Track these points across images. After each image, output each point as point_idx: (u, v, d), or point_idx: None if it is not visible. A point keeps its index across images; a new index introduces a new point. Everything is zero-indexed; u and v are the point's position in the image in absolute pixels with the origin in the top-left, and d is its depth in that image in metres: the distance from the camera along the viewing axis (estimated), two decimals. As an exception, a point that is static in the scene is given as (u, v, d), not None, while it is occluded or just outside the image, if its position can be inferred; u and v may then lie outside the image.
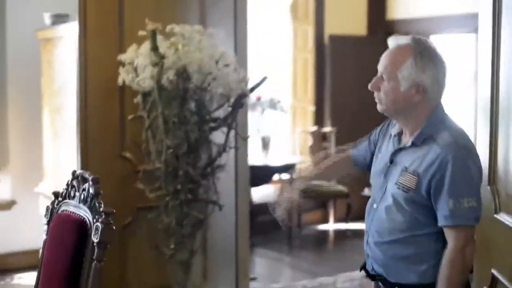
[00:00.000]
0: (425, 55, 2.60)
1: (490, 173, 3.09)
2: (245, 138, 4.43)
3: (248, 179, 5.10)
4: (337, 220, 8.27)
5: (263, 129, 7.88)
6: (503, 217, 2.96)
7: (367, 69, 8.23)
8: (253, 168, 7.55)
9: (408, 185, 2.60)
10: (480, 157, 2.89)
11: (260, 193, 8.18)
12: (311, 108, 8.47)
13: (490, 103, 3.11)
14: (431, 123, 2.64)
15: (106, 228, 2.40)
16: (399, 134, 2.77)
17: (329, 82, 8.38)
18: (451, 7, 7.78)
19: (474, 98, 7.05)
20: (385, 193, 2.70)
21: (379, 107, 2.71)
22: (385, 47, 2.77)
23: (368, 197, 2.89)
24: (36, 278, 2.73)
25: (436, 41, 8.86)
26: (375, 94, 2.70)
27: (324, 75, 8.40)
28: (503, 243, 2.96)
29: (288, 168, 7.83)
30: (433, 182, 2.54)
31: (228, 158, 4.44)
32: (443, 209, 2.53)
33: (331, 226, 8.21)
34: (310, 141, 8.25)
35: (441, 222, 2.55)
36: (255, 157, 7.84)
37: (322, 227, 8.35)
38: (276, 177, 8.07)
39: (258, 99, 7.80)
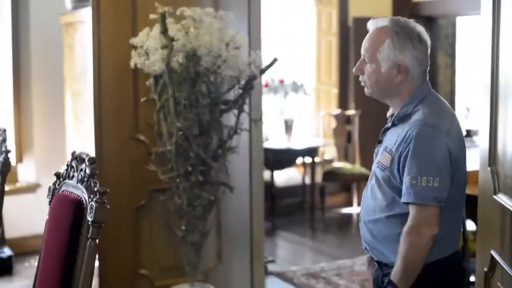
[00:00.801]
0: (402, 35, 2.62)
1: (490, 155, 3.09)
2: (255, 121, 4.44)
3: (262, 161, 5.12)
4: (360, 203, 8.25)
5: (286, 112, 7.90)
6: (501, 198, 2.95)
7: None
8: (276, 151, 7.61)
9: (385, 164, 2.63)
10: (481, 139, 2.89)
11: (283, 176, 8.22)
12: (335, 91, 8.46)
13: (490, 85, 3.09)
14: (409, 102, 2.66)
15: (100, 207, 2.44)
16: (392, 116, 2.79)
17: (353, 64, 8.31)
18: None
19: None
20: (373, 172, 2.73)
21: (366, 91, 2.75)
22: None
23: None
24: (38, 257, 2.80)
25: (462, 22, 8.79)
26: (360, 78, 2.74)
27: (348, 57, 8.38)
28: (501, 224, 2.95)
29: (311, 151, 7.84)
30: (401, 159, 2.56)
31: (241, 140, 4.47)
32: (403, 185, 2.54)
33: (354, 209, 8.22)
34: (333, 124, 8.25)
35: (402, 199, 2.56)
36: (278, 140, 7.88)
37: (345, 210, 8.36)
38: (299, 160, 8.10)
39: (281, 82, 7.82)
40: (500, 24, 3.02)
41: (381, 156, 2.67)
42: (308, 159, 7.95)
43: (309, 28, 8.45)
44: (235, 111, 4.30)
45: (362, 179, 7.95)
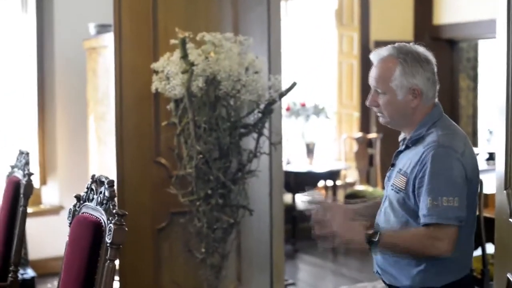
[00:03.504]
0: (410, 60, 2.66)
1: (506, 178, 3.10)
2: (275, 144, 4.48)
3: (282, 184, 5.15)
4: (383, 226, 8.24)
5: (307, 135, 7.93)
6: (517, 221, 2.97)
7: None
8: (298, 174, 7.63)
9: (399, 186, 2.64)
10: (497, 161, 2.90)
11: (305, 199, 8.21)
12: (356, 114, 8.49)
13: (506, 108, 3.12)
14: (422, 125, 2.69)
15: (118, 229, 2.49)
16: (404, 139, 2.81)
17: (374, 88, 8.36)
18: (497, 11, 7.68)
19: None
20: (386, 196, 2.75)
21: (381, 120, 2.77)
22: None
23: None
24: (58, 278, 2.85)
25: (485, 45, 8.79)
26: (375, 109, 2.76)
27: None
28: (518, 247, 2.96)
29: (332, 174, 7.85)
30: (416, 181, 2.58)
31: (260, 164, 4.50)
32: (422, 207, 2.55)
33: (377, 232, 8.17)
34: (355, 147, 8.26)
35: (421, 220, 2.56)
36: (300, 163, 7.90)
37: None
38: (321, 183, 8.11)
39: (303, 105, 7.86)
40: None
41: (395, 179, 2.70)
42: (329, 182, 7.96)
43: (330, 51, 8.50)
44: (255, 135, 4.34)
45: (384, 202, 7.94)
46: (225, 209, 4.29)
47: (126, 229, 2.52)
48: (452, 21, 8.34)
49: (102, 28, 5.86)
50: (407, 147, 2.73)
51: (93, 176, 2.80)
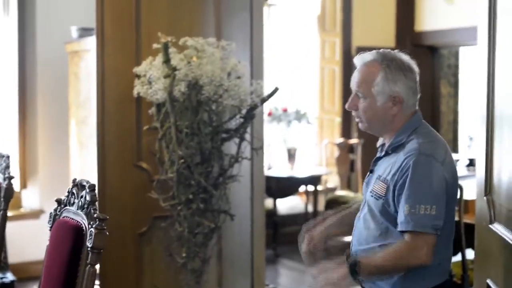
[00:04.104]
0: (393, 67, 2.67)
1: (486, 184, 3.12)
2: (256, 149, 4.49)
3: (263, 189, 5.16)
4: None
5: (289, 140, 7.94)
6: (496, 227, 2.98)
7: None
8: (279, 180, 7.63)
9: (379, 193, 2.65)
10: (478, 168, 2.93)
11: (286, 205, 8.24)
12: (338, 120, 8.52)
13: (486, 115, 3.14)
14: (402, 132, 2.70)
15: (99, 233, 2.48)
16: (383, 145, 2.83)
17: (356, 94, 8.40)
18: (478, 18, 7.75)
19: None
20: (365, 202, 2.76)
21: (360, 126, 2.78)
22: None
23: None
24: (39, 282, 2.84)
25: (465, 52, 8.86)
26: (354, 113, 2.77)
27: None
28: (497, 253, 2.98)
29: (314, 179, 7.87)
30: (396, 188, 2.59)
31: (242, 169, 4.51)
32: (400, 214, 2.57)
33: (357, 237, 8.20)
34: (336, 152, 8.29)
35: (398, 227, 2.58)
36: (281, 168, 7.91)
37: (347, 238, 8.33)
38: (302, 188, 8.12)
39: (285, 110, 7.87)
40: (496, 54, 3.07)
41: (374, 185, 2.70)
42: (311, 188, 7.98)
43: (312, 57, 8.53)
44: (236, 140, 4.34)
45: (364, 208, 7.98)
46: (206, 213, 4.29)
47: (107, 233, 2.51)
48: (433, 28, 8.40)
49: (84, 32, 5.84)
50: (387, 154, 2.74)
51: (74, 180, 2.80)
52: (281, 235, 7.82)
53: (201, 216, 4.26)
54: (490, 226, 3.06)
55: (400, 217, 2.56)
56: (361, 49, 8.13)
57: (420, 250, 2.54)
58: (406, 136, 2.68)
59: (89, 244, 2.51)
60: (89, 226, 2.56)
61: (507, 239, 2.78)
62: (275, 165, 8.04)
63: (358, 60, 2.76)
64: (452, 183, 2.65)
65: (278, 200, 7.85)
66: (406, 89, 2.69)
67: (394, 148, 2.70)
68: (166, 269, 4.57)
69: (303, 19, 8.50)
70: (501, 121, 2.99)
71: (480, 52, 3.25)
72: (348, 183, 8.34)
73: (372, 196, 2.69)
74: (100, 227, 2.50)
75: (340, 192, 8.16)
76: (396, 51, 2.78)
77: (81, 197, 2.69)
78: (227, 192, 4.38)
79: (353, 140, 8.28)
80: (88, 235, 2.53)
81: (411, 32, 8.54)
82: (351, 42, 8.43)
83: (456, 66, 8.99)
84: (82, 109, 5.86)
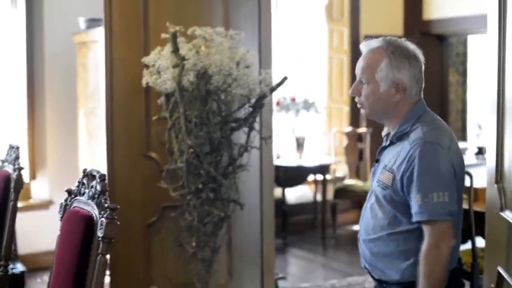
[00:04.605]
0: (398, 54, 2.66)
1: (497, 172, 3.11)
2: (265, 138, 4.48)
3: (273, 178, 5.16)
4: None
5: (297, 130, 7.94)
6: (507, 214, 2.98)
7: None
8: (288, 169, 7.64)
9: (386, 182, 2.65)
10: (488, 156, 2.92)
11: (295, 194, 8.25)
12: (346, 109, 8.50)
13: (497, 103, 3.12)
14: (406, 120, 2.69)
15: (110, 223, 2.49)
16: (388, 135, 2.82)
17: (364, 82, 8.38)
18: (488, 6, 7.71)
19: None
20: (371, 191, 2.76)
21: (362, 112, 2.78)
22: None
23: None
24: (50, 273, 2.84)
25: (473, 40, 8.83)
26: (357, 99, 2.77)
27: (359, 75, 8.41)
28: (507, 240, 2.97)
29: (322, 168, 7.87)
30: (404, 178, 2.59)
31: (251, 158, 4.51)
32: (413, 205, 2.57)
33: (366, 226, 8.21)
34: (345, 141, 8.28)
35: (413, 218, 2.58)
36: (290, 158, 7.91)
37: (356, 227, 8.35)
38: (310, 177, 8.12)
39: (293, 100, 7.87)
40: (506, 42, 3.06)
41: (381, 176, 2.70)
42: (319, 177, 7.98)
43: (320, 46, 8.51)
44: (246, 129, 4.34)
45: (373, 197, 7.98)
46: (216, 203, 4.29)
47: (118, 223, 2.52)
48: (441, 16, 8.36)
49: (92, 23, 5.84)
50: (392, 143, 2.73)
51: (84, 170, 2.80)
52: (289, 224, 7.83)
53: (210, 205, 4.26)
54: (501, 213, 3.05)
55: (414, 208, 2.56)
56: (369, 38, 8.16)
57: (443, 239, 2.56)
58: (410, 125, 2.68)
59: (100, 234, 2.51)
60: (100, 216, 2.56)
61: (518, 226, 2.77)
62: (284, 155, 8.04)
63: (364, 47, 2.76)
64: (459, 170, 2.65)
65: (287, 190, 7.85)
66: (410, 77, 2.68)
67: (399, 137, 2.69)
68: (176, 259, 4.58)
69: (311, 9, 8.47)
70: (511, 108, 2.98)
71: (490, 40, 3.23)
72: (356, 172, 8.33)
73: (378, 186, 2.69)
74: (110, 217, 2.51)
75: (348, 181, 8.15)
76: (403, 39, 2.78)
77: (92, 187, 2.70)
78: (236, 182, 4.37)
79: (362, 129, 8.27)
80: (99, 225, 2.54)
81: (419, 20, 8.51)
82: (359, 31, 8.41)
83: (465, 55, 8.95)
84: (91, 100, 5.87)
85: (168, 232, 4.58)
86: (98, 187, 2.64)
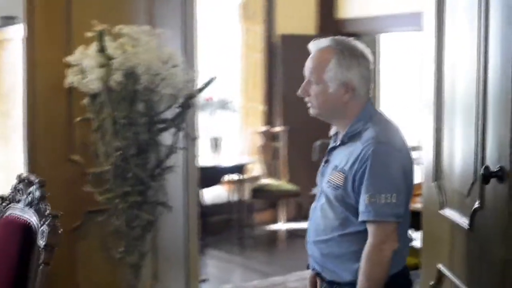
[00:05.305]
0: (347, 54, 2.65)
1: (435, 170, 3.15)
2: (194, 139, 4.41)
3: (197, 180, 5.08)
4: (288, 219, 8.32)
5: (213, 129, 7.88)
6: (448, 212, 3.02)
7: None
8: (204, 169, 7.52)
9: (337, 183, 2.62)
10: (426, 154, 2.94)
11: (211, 194, 8.18)
12: (262, 108, 8.50)
13: (435, 100, 3.16)
14: (358, 120, 2.68)
15: (52, 231, 2.38)
16: (336, 134, 2.80)
17: (279, 81, 8.42)
18: (398, 6, 7.88)
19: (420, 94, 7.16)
20: (321, 192, 2.74)
21: (311, 111, 2.75)
22: None
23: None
24: (-18, 284, 2.69)
25: (384, 39, 9.00)
26: (306, 99, 2.74)
27: (274, 74, 8.44)
28: (449, 238, 3.01)
29: (239, 168, 7.84)
30: (356, 179, 2.57)
31: (177, 159, 4.42)
32: (361, 204, 2.56)
33: (282, 225, 8.26)
34: (260, 141, 8.27)
35: (360, 217, 2.57)
36: (206, 158, 7.84)
37: (273, 227, 8.38)
38: (226, 177, 8.08)
39: (208, 100, 7.80)
40: (444, 42, 3.09)
41: (331, 176, 2.67)
42: (235, 177, 7.95)
43: (235, 45, 8.47)
44: (173, 130, 4.25)
45: (289, 196, 8.03)
46: (144, 206, 4.18)
47: (61, 230, 2.41)
48: (354, 15, 8.49)
49: (6, 21, 5.59)
50: (343, 143, 2.71)
51: (19, 176, 2.67)
52: (206, 225, 7.75)
53: (138, 209, 4.15)
54: (440, 211, 3.09)
55: (361, 207, 2.55)
56: (284, 37, 8.21)
57: (387, 240, 2.54)
58: (362, 125, 2.66)
59: (42, 242, 2.39)
60: (41, 223, 2.44)
61: (461, 224, 2.81)
62: (200, 155, 7.94)
63: (313, 46, 2.72)
64: (409, 172, 2.65)
65: (203, 190, 7.77)
66: (359, 76, 2.67)
67: (350, 137, 2.67)
68: (103, 265, 4.44)
69: (226, 7, 8.41)
70: (452, 108, 3.02)
71: (427, 40, 3.27)
72: (272, 171, 8.34)
73: (329, 186, 2.66)
74: (53, 224, 2.39)
75: (264, 181, 8.15)
76: (351, 38, 2.76)
77: (29, 193, 2.57)
78: (164, 184, 4.28)
79: (277, 128, 8.28)
80: (39, 233, 2.42)
81: (332, 19, 8.59)
82: (274, 30, 8.41)
83: (375, 53, 9.10)
84: (5, 101, 5.62)
85: (94, 237, 4.43)
86: (37, 193, 2.53)
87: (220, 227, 8.07)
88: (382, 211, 2.52)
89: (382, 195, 2.52)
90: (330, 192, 2.66)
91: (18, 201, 2.61)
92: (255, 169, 8.36)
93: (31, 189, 2.56)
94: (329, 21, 8.57)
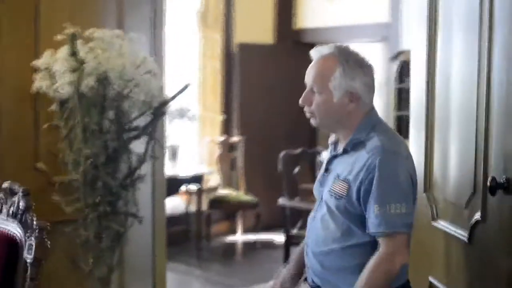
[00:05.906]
0: (351, 63, 2.57)
1: (425, 181, 3.10)
2: (164, 148, 4.29)
3: (165, 190, 4.96)
4: (246, 230, 8.22)
5: (171, 138, 7.73)
6: (440, 223, 2.96)
7: (275, 77, 8.22)
8: (162, 179, 7.40)
9: (340, 192, 2.54)
10: (415, 165, 2.88)
11: (168, 205, 8.01)
12: (220, 117, 8.39)
13: (426, 111, 3.12)
14: (361, 129, 2.60)
15: (40, 244, 2.23)
16: (335, 143, 2.73)
17: (237, 90, 8.34)
18: (358, 17, 7.88)
19: (384, 103, 7.15)
20: (321, 202, 2.65)
21: (313, 121, 2.66)
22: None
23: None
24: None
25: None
26: (306, 109, 2.65)
27: (232, 83, 8.35)
28: (441, 249, 2.96)
29: (196, 178, 7.72)
30: (362, 188, 2.49)
31: (145, 168, 4.28)
32: (370, 216, 2.47)
33: (239, 237, 8.15)
34: (218, 150, 8.17)
35: (369, 229, 2.49)
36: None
37: (230, 238, 8.26)
38: (183, 187, 7.93)
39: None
40: (436, 60, 3.05)
41: (334, 185, 2.58)
42: (193, 187, 7.81)
43: (193, 53, 8.34)
44: (144, 139, 4.11)
45: (247, 207, 7.93)
46: (113, 217, 4.03)
47: (49, 243, 2.26)
48: (313, 25, 8.46)
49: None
50: (345, 152, 2.63)
51: (0, 185, 2.50)
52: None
53: (108, 219, 4.00)
54: (432, 223, 3.03)
55: (371, 218, 2.46)
56: (242, 46, 8.13)
57: (398, 252, 2.46)
58: (365, 134, 2.58)
59: (29, 256, 2.24)
60: (27, 236, 2.29)
61: (459, 236, 2.76)
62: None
63: (315, 53, 2.64)
64: (415, 180, 2.59)
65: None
66: (364, 85, 2.59)
67: (354, 146, 2.59)
68: (69, 279, 4.27)
69: (185, 15, 8.28)
70: (444, 119, 2.98)
71: (417, 57, 3.22)
72: (229, 182, 8.24)
73: (331, 196, 2.57)
74: (40, 237, 2.24)
75: (222, 191, 8.04)
76: (349, 45, 2.68)
77: (12, 204, 2.41)
78: (134, 194, 4.13)
79: (235, 138, 8.19)
80: (26, 247, 2.27)
81: (290, 29, 8.55)
82: (233, 38, 8.32)
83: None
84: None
85: (61, 249, 4.24)
86: (22, 203, 2.37)
87: (177, 239, 7.90)
88: (394, 222, 2.45)
89: (391, 205, 2.45)
90: (332, 202, 2.57)
91: (0, 212, 2.45)
92: (213, 179, 8.24)
93: (14, 198, 2.40)
94: (287, 30, 8.52)
